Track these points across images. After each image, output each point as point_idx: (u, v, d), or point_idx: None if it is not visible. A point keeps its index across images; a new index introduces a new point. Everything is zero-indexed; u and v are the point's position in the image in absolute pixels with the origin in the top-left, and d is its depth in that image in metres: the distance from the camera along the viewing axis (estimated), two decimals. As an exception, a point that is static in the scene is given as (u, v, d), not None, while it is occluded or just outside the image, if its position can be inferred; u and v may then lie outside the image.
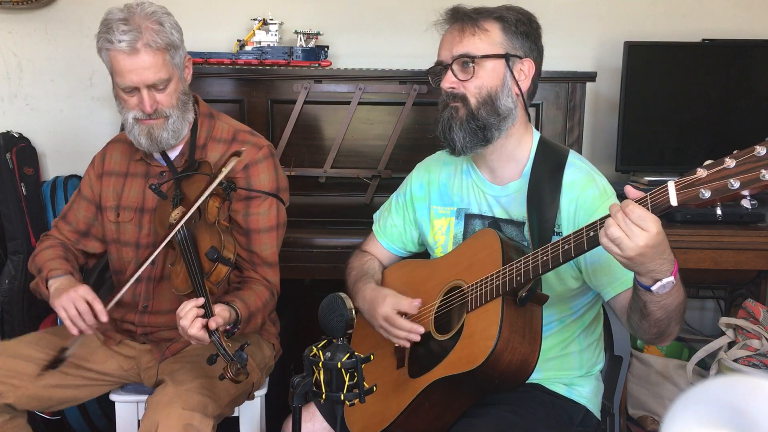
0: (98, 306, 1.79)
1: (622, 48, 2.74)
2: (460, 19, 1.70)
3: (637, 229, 1.29)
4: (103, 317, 1.79)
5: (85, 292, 1.80)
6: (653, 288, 1.38)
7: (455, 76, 1.68)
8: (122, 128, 2.33)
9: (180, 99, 1.92)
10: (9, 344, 1.95)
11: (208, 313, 1.67)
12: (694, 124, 2.78)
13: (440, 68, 1.72)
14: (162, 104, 1.88)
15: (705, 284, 2.92)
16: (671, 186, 1.28)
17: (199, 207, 1.82)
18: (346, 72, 2.66)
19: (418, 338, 1.69)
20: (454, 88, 1.69)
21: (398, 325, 1.70)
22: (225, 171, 1.79)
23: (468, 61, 1.67)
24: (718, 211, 1.26)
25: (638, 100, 2.75)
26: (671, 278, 1.37)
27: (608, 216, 1.34)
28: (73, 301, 1.78)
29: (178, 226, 1.78)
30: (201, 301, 1.68)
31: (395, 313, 1.71)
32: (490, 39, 1.67)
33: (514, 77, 1.68)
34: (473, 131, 1.68)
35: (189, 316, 1.66)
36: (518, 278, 1.52)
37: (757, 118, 2.75)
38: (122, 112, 1.92)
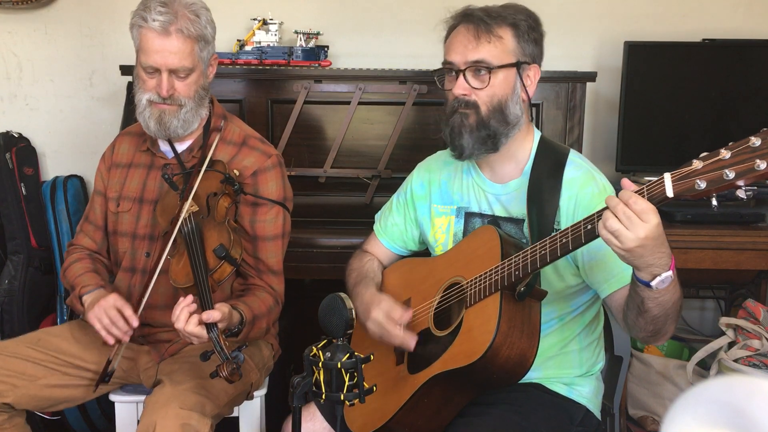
0: (128, 311, 1.81)
1: (622, 48, 2.73)
2: (474, 23, 1.65)
3: (638, 221, 1.30)
4: (134, 322, 1.81)
5: (114, 300, 1.82)
6: (652, 283, 1.38)
7: (468, 82, 1.66)
8: (122, 129, 2.34)
9: (198, 93, 1.93)
10: (8, 344, 1.95)
11: (205, 307, 1.67)
12: (694, 124, 2.78)
13: (451, 71, 1.68)
14: (179, 92, 1.90)
15: (705, 284, 2.92)
16: (667, 177, 1.29)
17: (208, 204, 1.83)
18: (346, 72, 2.66)
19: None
20: (466, 95, 1.67)
21: (393, 334, 1.70)
22: (209, 154, 1.85)
23: (482, 68, 1.65)
24: (714, 202, 1.27)
25: (638, 100, 2.75)
26: (669, 273, 1.37)
27: (605, 208, 1.34)
28: (105, 311, 1.81)
29: (182, 218, 1.78)
30: (190, 299, 1.69)
31: (388, 320, 1.71)
32: (504, 47, 1.65)
33: (523, 83, 1.68)
34: (482, 139, 1.67)
35: (182, 317, 1.67)
36: (516, 273, 1.52)
37: (757, 118, 2.75)
38: (138, 94, 1.94)
